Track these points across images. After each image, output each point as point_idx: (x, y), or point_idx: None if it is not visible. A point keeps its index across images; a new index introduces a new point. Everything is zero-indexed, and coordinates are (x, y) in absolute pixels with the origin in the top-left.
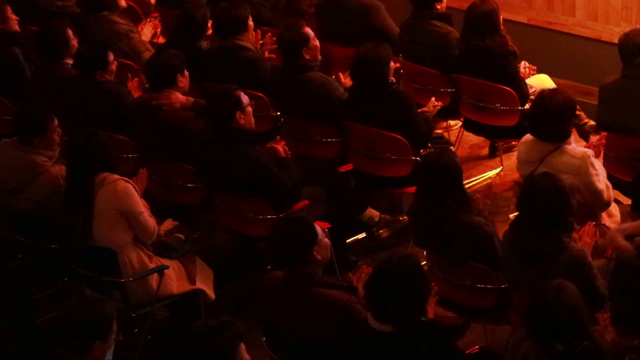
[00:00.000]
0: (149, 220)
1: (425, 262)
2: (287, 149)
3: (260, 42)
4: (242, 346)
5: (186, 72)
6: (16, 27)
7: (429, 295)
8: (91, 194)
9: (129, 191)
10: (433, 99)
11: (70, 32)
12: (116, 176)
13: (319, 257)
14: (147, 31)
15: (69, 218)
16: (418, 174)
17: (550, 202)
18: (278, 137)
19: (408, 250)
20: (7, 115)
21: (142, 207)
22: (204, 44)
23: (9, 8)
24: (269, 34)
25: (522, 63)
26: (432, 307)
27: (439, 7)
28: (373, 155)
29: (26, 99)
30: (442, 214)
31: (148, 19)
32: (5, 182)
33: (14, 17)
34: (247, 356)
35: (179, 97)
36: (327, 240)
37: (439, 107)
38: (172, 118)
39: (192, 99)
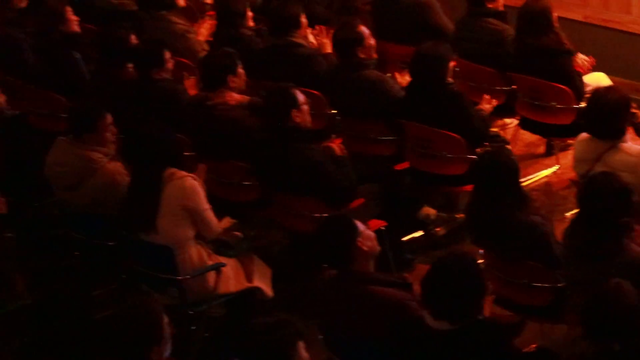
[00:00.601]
0: (213, 217)
1: (481, 260)
2: (343, 147)
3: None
4: (301, 344)
5: (240, 71)
6: (76, 28)
7: (485, 292)
8: (158, 188)
9: (196, 188)
10: (487, 96)
11: (131, 36)
12: (184, 173)
13: (365, 248)
14: (204, 30)
15: (132, 212)
16: (475, 172)
17: (610, 201)
18: (333, 135)
19: (464, 249)
20: (65, 114)
21: (207, 204)
22: (248, 32)
23: (69, 9)
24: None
25: (579, 56)
26: (489, 305)
27: (490, 5)
28: (429, 153)
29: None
30: (498, 213)
31: (204, 18)
32: (62, 179)
33: (74, 18)
34: (305, 354)
35: (234, 96)
36: (369, 232)
37: (494, 104)
38: (228, 116)
39: (247, 98)
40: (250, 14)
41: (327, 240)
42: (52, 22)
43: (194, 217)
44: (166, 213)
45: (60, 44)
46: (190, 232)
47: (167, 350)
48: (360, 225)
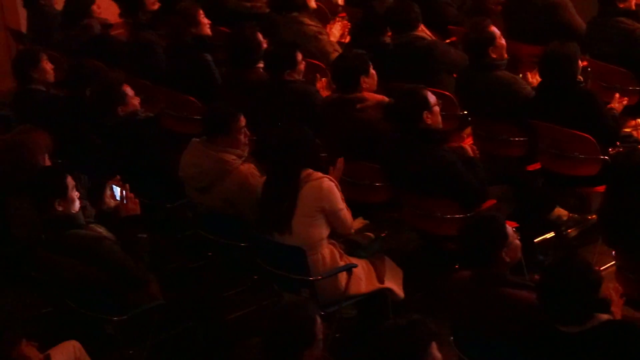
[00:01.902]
0: (348, 215)
1: (613, 262)
2: (475, 148)
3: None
4: (434, 345)
5: (372, 72)
6: (208, 31)
7: (599, 286)
8: (295, 189)
9: (333, 189)
10: (617, 95)
11: (260, 36)
12: (320, 174)
13: (507, 259)
14: (336, 31)
15: (268, 213)
16: (608, 173)
17: None
18: (464, 135)
19: (596, 250)
20: (198, 116)
21: (342, 203)
22: (388, 40)
23: (201, 12)
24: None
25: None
26: (620, 308)
27: (622, 5)
28: (561, 154)
29: (216, 100)
30: (632, 214)
31: (336, 19)
32: (196, 180)
33: (206, 21)
34: (438, 355)
35: (375, 96)
36: (517, 242)
37: (624, 103)
38: (362, 118)
39: (386, 98)
40: None
41: (474, 241)
42: (184, 25)
43: (329, 217)
44: (302, 214)
45: (192, 47)
46: (324, 232)
47: (319, 352)
48: (510, 232)
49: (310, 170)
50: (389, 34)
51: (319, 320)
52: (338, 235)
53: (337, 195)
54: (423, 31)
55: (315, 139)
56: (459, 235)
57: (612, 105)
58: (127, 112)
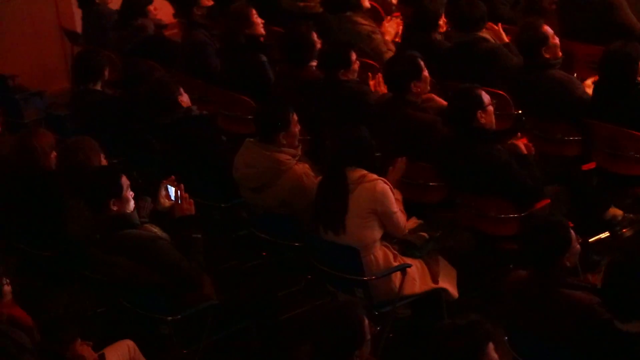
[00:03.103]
0: (401, 218)
1: None
2: (530, 145)
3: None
4: (491, 345)
5: (424, 76)
6: (262, 31)
7: None
8: (347, 189)
9: (387, 192)
10: None
11: (314, 35)
12: (375, 176)
13: (568, 264)
14: (391, 29)
15: (322, 212)
16: None
17: None
18: (519, 133)
19: None
20: (251, 115)
21: (396, 206)
22: (439, 37)
23: (254, 12)
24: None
25: None
26: None
27: None
28: (616, 153)
29: (270, 100)
30: None
31: (390, 18)
32: (250, 180)
33: (259, 21)
34: (495, 355)
35: (441, 101)
36: (578, 246)
37: None
38: (417, 117)
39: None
40: (443, 20)
41: (540, 245)
42: (237, 25)
43: (382, 219)
44: (355, 215)
45: (245, 47)
46: (378, 234)
47: (368, 351)
48: (573, 238)
49: (365, 172)
50: (445, 29)
51: (366, 320)
52: (392, 237)
53: (391, 197)
54: (487, 33)
55: (370, 139)
56: (523, 236)
57: None
58: (182, 109)
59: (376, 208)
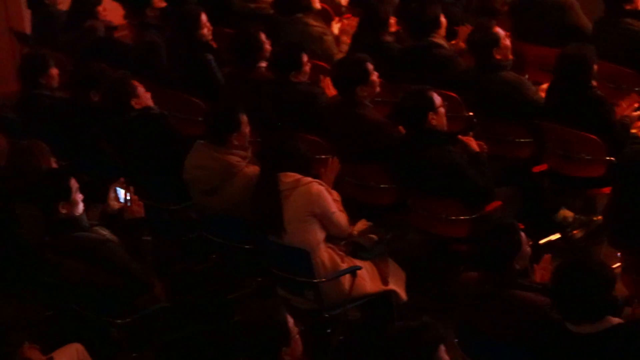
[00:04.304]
0: (342, 217)
1: (619, 263)
2: (481, 143)
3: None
4: (442, 347)
5: (372, 80)
6: (209, 34)
7: (613, 285)
8: (278, 195)
9: (322, 194)
10: (625, 103)
11: (263, 36)
12: (309, 179)
13: (518, 267)
14: (336, 30)
15: (260, 215)
16: (614, 174)
17: None
18: (471, 133)
19: (602, 251)
20: (202, 117)
21: (334, 206)
22: (389, 38)
23: (204, 14)
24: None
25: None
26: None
27: (628, 7)
28: (568, 155)
29: (219, 101)
30: (638, 215)
31: (340, 19)
32: (201, 182)
33: (208, 23)
34: (447, 357)
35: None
36: (529, 249)
37: (635, 105)
38: (370, 119)
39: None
40: (393, 19)
41: (490, 249)
42: (188, 27)
43: (322, 221)
44: (295, 220)
45: (194, 48)
46: (320, 236)
47: (299, 349)
48: (524, 241)
49: (299, 176)
50: (395, 29)
51: (290, 319)
52: (341, 238)
53: (328, 198)
54: (442, 38)
55: (300, 144)
56: (474, 239)
57: (626, 113)
58: (142, 105)
59: (314, 210)
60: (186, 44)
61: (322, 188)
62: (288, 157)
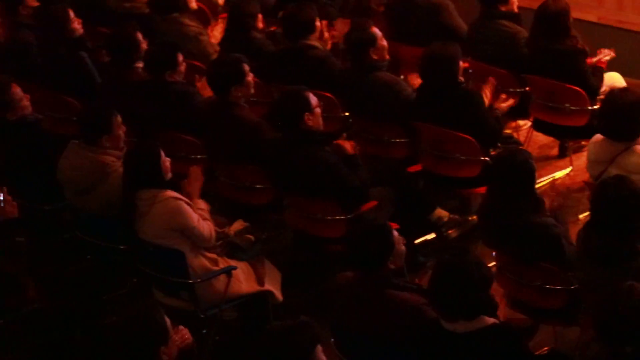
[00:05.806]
0: (204, 229)
1: (494, 263)
2: (355, 145)
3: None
4: (319, 347)
5: (247, 81)
6: (80, 30)
7: (490, 283)
8: (133, 209)
9: (180, 208)
10: (503, 95)
11: (140, 36)
12: (166, 194)
13: (392, 266)
14: (217, 33)
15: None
16: (490, 173)
17: (622, 206)
18: (345, 134)
19: (477, 250)
20: (76, 117)
21: (195, 219)
22: (259, 35)
23: (71, 11)
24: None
25: (602, 51)
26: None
27: (504, 8)
28: (442, 155)
29: (94, 101)
30: (512, 214)
31: (217, 21)
32: (75, 183)
33: (77, 20)
34: (323, 357)
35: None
36: (403, 248)
37: (510, 104)
38: (245, 119)
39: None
40: (260, 16)
41: (363, 250)
42: (58, 24)
43: (184, 233)
44: (157, 237)
45: (67, 46)
46: (185, 246)
47: (176, 349)
48: (397, 240)
49: (155, 191)
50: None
51: (167, 320)
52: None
53: (186, 212)
54: (318, 40)
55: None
56: (347, 240)
57: (498, 105)
58: (17, 116)
59: (172, 226)
60: (59, 42)
61: (179, 203)
62: (144, 173)
